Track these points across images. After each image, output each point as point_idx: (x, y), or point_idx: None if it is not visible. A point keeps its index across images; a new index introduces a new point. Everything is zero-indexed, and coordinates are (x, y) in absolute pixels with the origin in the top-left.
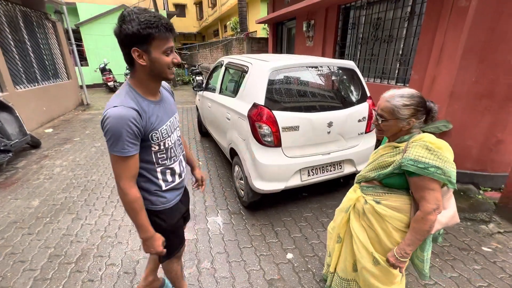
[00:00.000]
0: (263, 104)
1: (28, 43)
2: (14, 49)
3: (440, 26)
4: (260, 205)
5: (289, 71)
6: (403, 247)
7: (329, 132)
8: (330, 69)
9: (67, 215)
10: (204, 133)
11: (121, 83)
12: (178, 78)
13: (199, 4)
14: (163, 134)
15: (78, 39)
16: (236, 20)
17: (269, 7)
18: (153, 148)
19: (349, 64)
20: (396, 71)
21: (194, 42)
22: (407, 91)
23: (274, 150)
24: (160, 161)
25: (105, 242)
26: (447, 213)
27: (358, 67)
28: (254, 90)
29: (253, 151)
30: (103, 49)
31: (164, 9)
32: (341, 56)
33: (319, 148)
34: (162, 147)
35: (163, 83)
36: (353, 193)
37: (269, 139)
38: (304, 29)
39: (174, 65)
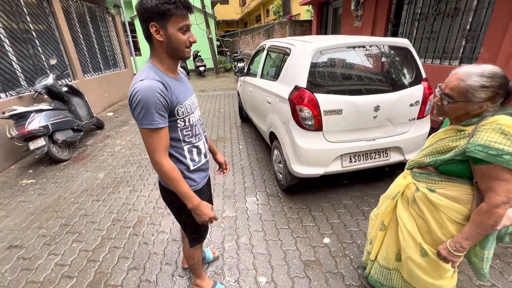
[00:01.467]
0: (304, 86)
1: (93, 36)
2: (82, 42)
3: None
4: (298, 189)
5: (333, 52)
6: (459, 240)
7: (375, 117)
8: (379, 49)
9: (126, 187)
10: (244, 118)
11: None
12: (221, 66)
13: None
14: (187, 109)
15: (133, 31)
16: (279, 3)
17: None
18: (179, 125)
19: (403, 42)
20: (461, 50)
21: (237, 29)
22: (489, 68)
23: (315, 134)
24: (186, 139)
25: (156, 212)
26: None
27: (414, 46)
28: (296, 72)
29: (293, 134)
30: None
31: None
32: (394, 35)
33: (364, 133)
34: (187, 124)
35: (179, 69)
36: (402, 180)
37: (310, 123)
38: (353, 7)
39: (191, 44)
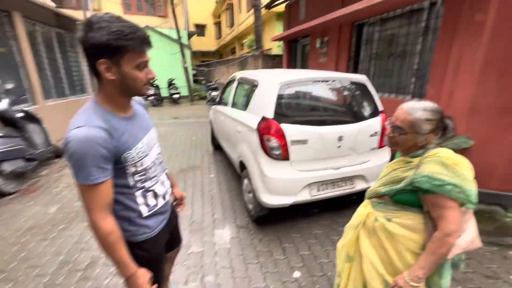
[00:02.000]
0: (271, 117)
1: (61, 61)
2: (47, 67)
3: (457, 41)
4: (269, 219)
5: (298, 85)
6: (415, 269)
7: (339, 146)
8: (340, 83)
9: (80, 223)
10: (216, 146)
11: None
12: (196, 94)
13: (218, 24)
14: (139, 153)
15: None
16: (252, 38)
17: (284, 25)
18: (128, 171)
19: (360, 78)
20: (412, 86)
21: (212, 60)
22: (430, 104)
23: (283, 164)
24: (138, 184)
25: None
26: (466, 236)
27: (372, 82)
28: (263, 103)
29: (261, 164)
30: None
31: (185, 29)
32: (355, 70)
33: (329, 162)
34: (139, 168)
35: (136, 99)
36: (363, 209)
37: (278, 152)
38: (318, 46)
39: (149, 81)
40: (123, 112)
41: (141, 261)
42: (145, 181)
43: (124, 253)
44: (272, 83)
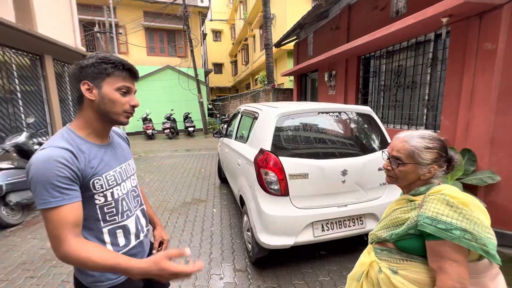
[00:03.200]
0: (269, 150)
1: None
2: (70, 102)
3: (467, 70)
4: (270, 262)
5: (298, 116)
6: None
7: (344, 181)
8: (344, 115)
9: None
10: (223, 179)
11: (158, 131)
12: (210, 127)
13: (234, 62)
14: (109, 181)
15: None
16: (264, 74)
17: (294, 61)
18: (97, 201)
19: (365, 109)
20: (424, 117)
21: (227, 95)
22: (427, 132)
23: (281, 199)
24: (107, 217)
25: None
26: None
27: (382, 113)
28: (261, 135)
29: (258, 199)
30: (148, 102)
31: (203, 67)
32: (364, 103)
33: (334, 199)
34: (109, 199)
35: (116, 129)
36: (366, 256)
37: (276, 187)
38: (326, 79)
39: (132, 108)
40: (98, 140)
41: None
42: (115, 214)
43: (116, 258)
44: (270, 115)
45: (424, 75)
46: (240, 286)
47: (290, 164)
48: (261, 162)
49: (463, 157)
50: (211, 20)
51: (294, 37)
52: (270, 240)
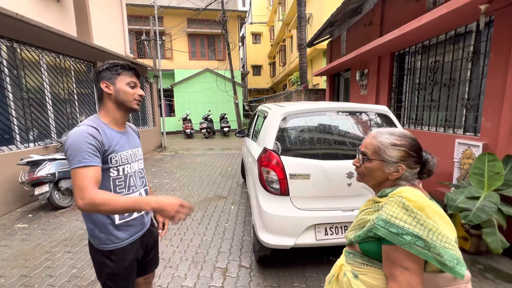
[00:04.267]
0: (271, 148)
1: None
2: None
3: None
4: (274, 262)
5: (304, 116)
6: None
7: (349, 184)
8: (357, 115)
9: None
10: (245, 177)
11: (196, 131)
12: (245, 127)
13: (272, 64)
14: (122, 159)
15: (170, 96)
16: (297, 75)
17: (327, 61)
18: (111, 174)
19: (382, 109)
20: (463, 118)
21: (263, 96)
22: (399, 129)
23: (282, 199)
24: (117, 189)
25: None
26: None
27: (416, 114)
28: (267, 134)
29: (259, 197)
30: (188, 103)
31: (240, 69)
32: (398, 103)
33: (339, 202)
34: (121, 173)
35: (131, 125)
36: (341, 259)
37: (276, 186)
38: (357, 78)
39: (140, 98)
40: (117, 127)
41: (107, 271)
42: (124, 187)
43: (126, 199)
44: (275, 114)
45: (464, 71)
46: (241, 281)
47: (291, 163)
48: (263, 161)
49: (506, 165)
50: (251, 23)
51: (328, 36)
52: (270, 239)
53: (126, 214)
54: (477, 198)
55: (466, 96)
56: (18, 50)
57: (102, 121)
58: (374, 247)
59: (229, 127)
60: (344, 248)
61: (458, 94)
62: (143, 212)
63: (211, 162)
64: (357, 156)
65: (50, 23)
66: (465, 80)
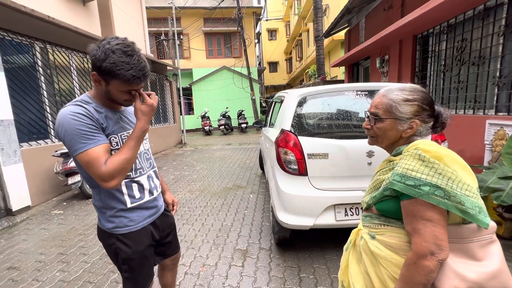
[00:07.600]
0: (288, 129)
1: None
2: None
3: None
4: (293, 244)
5: (322, 96)
6: None
7: (370, 163)
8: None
9: None
10: (263, 168)
11: (214, 128)
12: (261, 119)
13: (289, 60)
14: (123, 140)
15: (189, 94)
16: (315, 67)
17: (345, 51)
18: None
19: None
20: (495, 97)
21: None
22: (409, 84)
23: (300, 179)
24: None
25: None
26: (482, 267)
27: (442, 98)
28: (284, 116)
29: (277, 178)
30: (207, 101)
31: (257, 66)
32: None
33: (359, 182)
34: None
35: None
36: (358, 226)
37: (294, 167)
38: (378, 65)
39: (130, 103)
40: (112, 107)
41: (123, 256)
42: (130, 170)
43: (126, 143)
44: (292, 97)
45: (495, 47)
46: (260, 261)
47: (309, 143)
48: (281, 142)
49: None
50: (266, 20)
51: (346, 25)
52: (289, 219)
53: (137, 197)
54: (511, 178)
55: (497, 74)
56: (50, 51)
57: (95, 101)
58: (391, 205)
59: (246, 123)
60: (361, 214)
61: (488, 72)
62: (155, 195)
63: (230, 156)
64: (366, 118)
65: (77, 25)
66: (496, 56)
